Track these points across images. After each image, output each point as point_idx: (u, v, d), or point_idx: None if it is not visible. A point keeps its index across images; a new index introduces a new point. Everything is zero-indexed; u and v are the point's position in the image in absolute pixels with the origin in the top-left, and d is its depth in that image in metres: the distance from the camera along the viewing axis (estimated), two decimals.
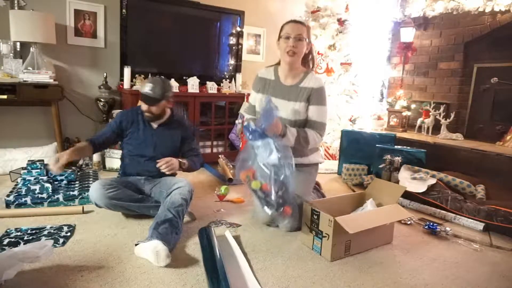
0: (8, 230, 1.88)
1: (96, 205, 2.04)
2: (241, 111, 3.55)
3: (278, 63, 2.10)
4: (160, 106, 2.16)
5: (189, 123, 2.51)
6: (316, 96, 1.97)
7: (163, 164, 2.05)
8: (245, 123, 1.77)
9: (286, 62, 1.95)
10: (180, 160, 2.17)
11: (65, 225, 1.99)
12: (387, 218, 1.93)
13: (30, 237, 1.82)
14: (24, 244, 1.73)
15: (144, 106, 2.16)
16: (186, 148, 2.31)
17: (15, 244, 1.73)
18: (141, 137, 2.23)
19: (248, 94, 3.67)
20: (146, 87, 2.11)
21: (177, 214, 1.86)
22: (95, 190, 2.01)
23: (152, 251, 1.59)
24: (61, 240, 1.81)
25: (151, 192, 2.19)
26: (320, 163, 2.24)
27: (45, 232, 1.88)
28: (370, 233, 1.87)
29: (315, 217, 1.84)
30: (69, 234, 1.89)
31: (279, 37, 1.98)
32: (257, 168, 1.73)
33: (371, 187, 2.24)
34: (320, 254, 1.81)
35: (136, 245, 1.71)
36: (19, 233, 1.85)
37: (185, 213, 2.00)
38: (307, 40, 1.93)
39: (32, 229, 1.91)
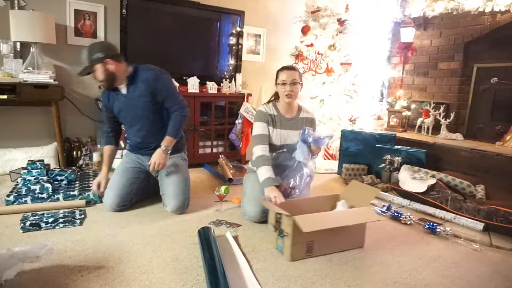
0: (25, 215, 2.05)
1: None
2: (241, 111, 3.55)
3: (273, 100, 2.40)
4: (98, 70, 2.09)
5: (153, 69, 2.26)
6: (314, 125, 2.40)
7: (152, 168, 2.21)
8: (307, 132, 2.15)
9: (286, 102, 2.29)
10: (163, 149, 2.20)
11: (76, 209, 2.21)
12: (352, 219, 1.85)
13: (50, 215, 2.05)
14: (45, 223, 1.95)
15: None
16: (160, 97, 2.21)
17: (37, 224, 1.93)
18: (118, 108, 2.28)
19: (249, 94, 3.69)
20: None
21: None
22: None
23: None
24: (78, 221, 2.02)
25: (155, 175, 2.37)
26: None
27: (61, 215, 2.08)
28: (336, 235, 1.81)
29: (279, 216, 1.81)
30: (83, 216, 2.11)
31: (276, 83, 2.30)
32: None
33: (348, 189, 2.17)
34: (282, 254, 1.79)
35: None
36: (36, 216, 2.04)
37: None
38: (300, 82, 2.28)
39: (47, 213, 2.10)
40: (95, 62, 2.07)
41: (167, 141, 2.22)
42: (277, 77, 2.30)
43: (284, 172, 2.19)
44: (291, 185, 2.14)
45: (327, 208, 2.09)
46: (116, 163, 3.03)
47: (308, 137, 2.14)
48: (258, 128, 2.27)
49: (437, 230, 2.16)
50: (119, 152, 3.07)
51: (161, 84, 2.20)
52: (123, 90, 2.23)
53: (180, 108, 2.25)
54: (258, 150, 2.20)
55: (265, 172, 2.09)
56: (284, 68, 2.28)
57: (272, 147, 2.29)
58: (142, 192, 2.40)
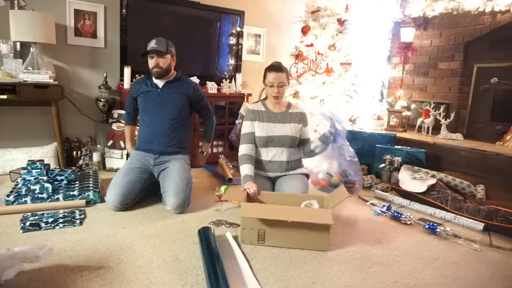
0: (25, 215, 2.05)
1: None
2: (241, 111, 3.55)
3: (263, 99, 2.54)
4: (166, 59, 2.40)
5: (194, 82, 2.68)
6: (304, 120, 2.49)
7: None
8: (328, 133, 2.35)
9: (273, 102, 2.44)
10: (202, 152, 2.83)
11: (75, 209, 2.21)
12: (298, 217, 1.86)
13: (50, 215, 2.05)
14: (45, 223, 1.96)
15: (152, 62, 2.39)
16: (198, 106, 2.62)
17: (37, 225, 1.93)
18: (147, 98, 2.48)
19: (249, 94, 3.69)
20: (151, 43, 2.38)
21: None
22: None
23: None
24: (78, 221, 2.03)
25: (157, 176, 2.44)
26: (307, 174, 2.58)
27: (61, 215, 2.08)
28: (291, 231, 1.86)
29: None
30: (83, 216, 2.11)
31: (264, 83, 2.41)
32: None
33: (333, 192, 2.17)
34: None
35: None
36: (36, 216, 2.04)
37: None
38: (286, 83, 2.41)
39: (47, 213, 2.10)
40: (169, 53, 2.41)
41: (206, 147, 2.87)
42: (265, 77, 2.39)
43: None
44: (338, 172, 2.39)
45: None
46: (120, 163, 3.05)
47: (331, 138, 2.34)
48: (245, 127, 2.44)
49: (437, 230, 2.16)
50: (123, 152, 3.09)
51: (201, 93, 2.63)
52: (160, 84, 2.48)
53: (213, 116, 2.77)
54: (242, 149, 2.39)
55: (244, 169, 2.30)
56: (272, 69, 2.36)
57: (259, 139, 2.39)
58: (144, 193, 2.40)
